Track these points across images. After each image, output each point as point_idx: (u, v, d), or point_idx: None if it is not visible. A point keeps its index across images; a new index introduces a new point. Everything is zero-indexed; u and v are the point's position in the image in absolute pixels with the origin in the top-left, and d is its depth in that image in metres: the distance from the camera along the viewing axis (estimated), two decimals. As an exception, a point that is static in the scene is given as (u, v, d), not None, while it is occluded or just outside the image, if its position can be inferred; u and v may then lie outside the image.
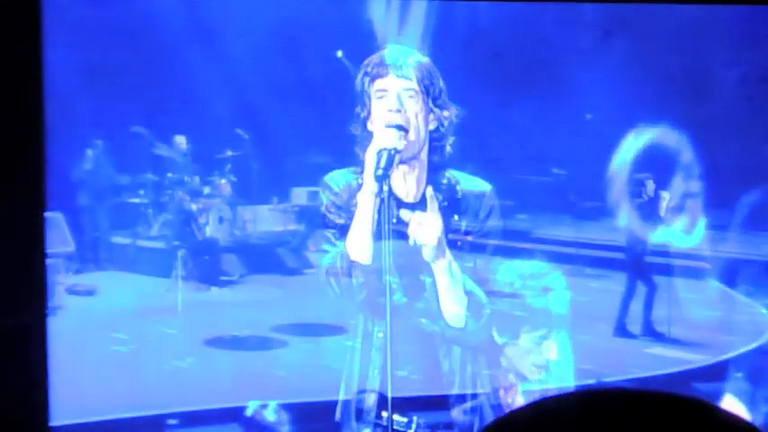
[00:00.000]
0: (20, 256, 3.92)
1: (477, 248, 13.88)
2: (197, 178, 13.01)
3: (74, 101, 11.54)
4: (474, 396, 7.69)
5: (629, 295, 9.96)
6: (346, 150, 16.81)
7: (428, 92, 7.53)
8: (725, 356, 9.35)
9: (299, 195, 16.25)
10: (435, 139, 8.47)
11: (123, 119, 13.08)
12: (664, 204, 9.87)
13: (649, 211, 9.73)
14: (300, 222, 14.57)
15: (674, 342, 9.75)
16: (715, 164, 16.99)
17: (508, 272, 9.35)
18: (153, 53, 13.82)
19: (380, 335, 8.31)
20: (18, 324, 4.08)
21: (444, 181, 8.40)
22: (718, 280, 13.75)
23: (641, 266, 9.83)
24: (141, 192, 13.00)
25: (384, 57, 8.47)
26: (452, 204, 9.12)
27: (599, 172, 17.39)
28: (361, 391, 6.65)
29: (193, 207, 11.68)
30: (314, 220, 15.53)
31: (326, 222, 8.48)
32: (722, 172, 16.94)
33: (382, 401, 6.72)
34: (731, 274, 13.74)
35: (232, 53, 15.33)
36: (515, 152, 17.76)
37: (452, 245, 10.46)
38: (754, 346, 9.71)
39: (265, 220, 14.11)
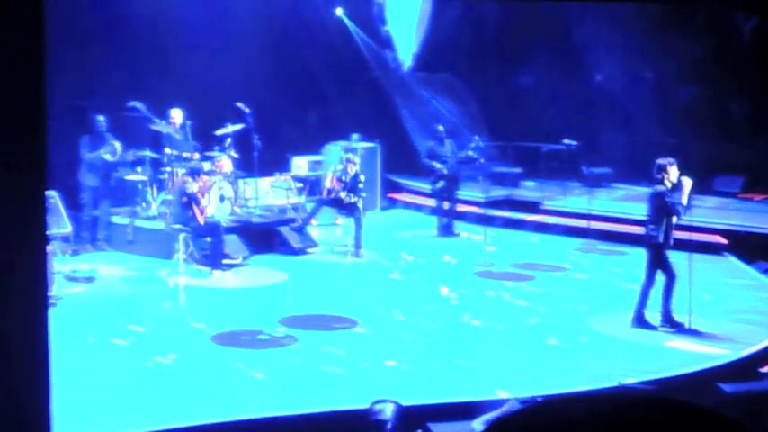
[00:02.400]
0: (18, 248, 3.61)
1: (487, 220, 13.58)
2: (197, 155, 12.57)
3: (68, 74, 11.07)
4: (495, 404, 7.37)
5: (648, 284, 9.56)
6: (348, 116, 16.40)
7: None
8: (749, 350, 9.03)
9: (300, 165, 15.87)
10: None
11: (120, 93, 12.63)
12: (686, 191, 9.42)
13: (671, 197, 9.30)
14: (302, 194, 14.19)
15: (695, 334, 9.41)
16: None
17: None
18: (150, 27, 13.31)
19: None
20: (15, 322, 3.78)
21: None
22: (735, 257, 13.46)
23: (661, 255, 9.43)
24: (139, 169, 12.57)
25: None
26: None
27: (609, 136, 17.07)
28: (378, 401, 6.30)
29: (195, 188, 11.24)
30: (315, 191, 15.20)
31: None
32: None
33: (399, 412, 6.38)
34: (747, 248, 13.46)
35: (231, 24, 14.83)
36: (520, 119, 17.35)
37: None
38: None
39: (267, 194, 13.71)
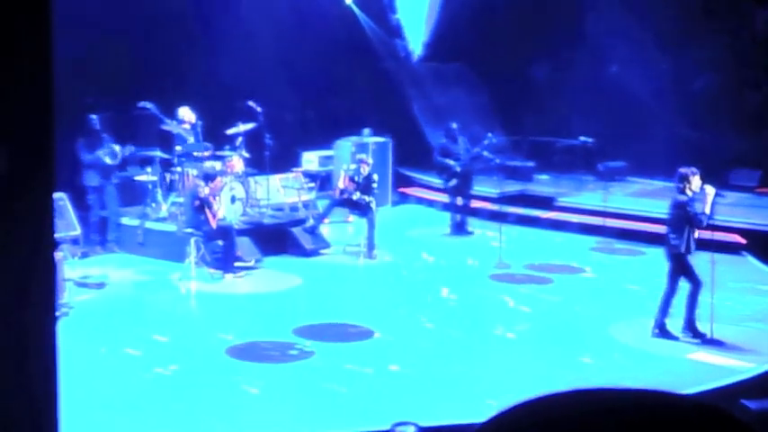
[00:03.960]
0: (27, 254, 3.53)
1: (501, 217, 13.39)
2: (207, 154, 12.38)
3: (77, 74, 10.86)
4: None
5: (670, 293, 9.39)
6: (360, 110, 16.18)
7: None
8: (774, 363, 8.88)
9: (311, 160, 15.67)
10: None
11: (130, 94, 12.42)
12: (709, 200, 9.22)
13: (693, 207, 9.10)
14: (313, 191, 14.00)
15: (717, 345, 9.25)
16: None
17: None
18: (160, 25, 13.09)
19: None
20: (25, 328, 3.70)
21: None
22: (754, 256, 13.26)
23: (684, 263, 9.24)
24: (149, 169, 12.39)
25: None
26: None
27: (625, 130, 16.83)
28: (399, 424, 6.16)
29: (207, 191, 11.06)
30: (326, 186, 15.01)
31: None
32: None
33: (420, 436, 6.25)
34: (766, 248, 13.26)
35: (239, 20, 14.60)
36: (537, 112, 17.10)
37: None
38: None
39: (278, 191, 13.52)
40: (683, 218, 9.16)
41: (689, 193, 9.18)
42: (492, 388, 7.88)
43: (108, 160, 11.82)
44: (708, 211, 9.17)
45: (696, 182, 9.15)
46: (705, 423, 1.17)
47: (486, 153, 13.75)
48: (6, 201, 3.55)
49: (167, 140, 12.41)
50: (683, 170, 9.26)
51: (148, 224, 12.05)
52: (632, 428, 1.16)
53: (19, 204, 3.56)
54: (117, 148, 11.88)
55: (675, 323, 9.38)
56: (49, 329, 3.91)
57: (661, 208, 11.97)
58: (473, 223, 14.07)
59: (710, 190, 9.22)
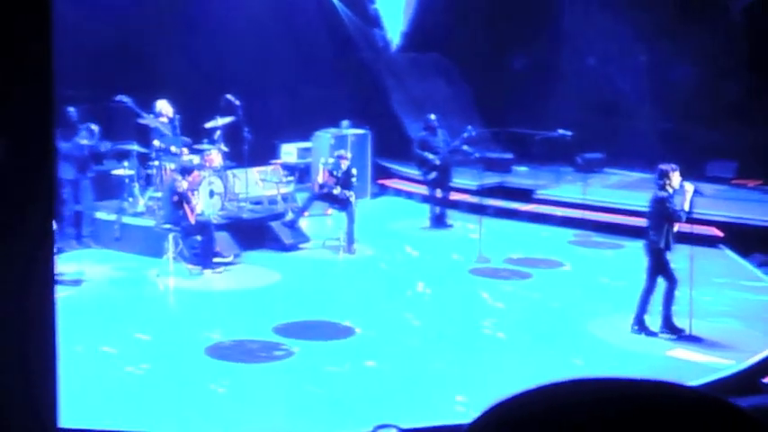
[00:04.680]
0: (27, 243, 3.58)
1: (480, 209, 13.38)
2: (186, 150, 12.28)
3: (55, 65, 10.67)
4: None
5: (649, 289, 9.41)
6: (336, 102, 16.09)
7: None
8: (752, 360, 8.91)
9: (290, 152, 15.58)
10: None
11: (106, 87, 12.27)
12: (688, 196, 9.24)
13: (672, 203, 9.12)
14: (292, 184, 13.92)
15: (696, 341, 9.30)
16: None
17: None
18: (137, 17, 12.94)
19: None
20: (23, 314, 3.74)
21: None
22: (731, 249, 13.32)
23: (662, 260, 9.26)
24: (126, 163, 12.26)
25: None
26: None
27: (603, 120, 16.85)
28: (381, 426, 6.13)
29: (185, 186, 10.96)
30: (305, 179, 14.94)
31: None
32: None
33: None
34: (743, 241, 13.32)
35: (215, 11, 14.45)
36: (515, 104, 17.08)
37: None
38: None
39: (256, 184, 13.43)
40: (663, 214, 9.18)
41: (669, 189, 9.20)
42: (472, 386, 7.88)
43: (86, 141, 11.67)
44: (687, 207, 9.21)
45: (676, 178, 9.17)
46: (706, 413, 1.16)
47: (465, 147, 13.72)
48: (6, 190, 3.59)
49: (145, 134, 12.28)
50: (662, 166, 9.28)
51: (125, 219, 11.93)
52: (632, 418, 1.14)
53: (19, 193, 3.61)
54: (95, 127, 11.74)
55: (655, 319, 9.41)
56: (49, 319, 3.99)
57: (639, 200, 12.04)
58: (452, 216, 14.05)
59: (689, 186, 9.26)
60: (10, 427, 3.87)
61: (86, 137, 11.71)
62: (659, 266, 9.30)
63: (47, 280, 3.90)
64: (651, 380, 1.21)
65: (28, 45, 3.53)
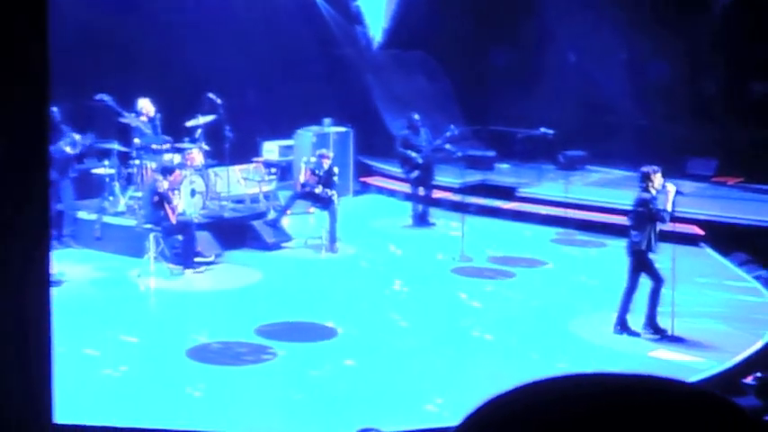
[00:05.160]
0: (24, 239, 3.64)
1: (462, 208, 13.35)
2: (167, 147, 12.19)
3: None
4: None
5: (631, 289, 9.43)
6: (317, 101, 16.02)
7: None
8: (733, 360, 8.95)
9: (272, 150, 15.51)
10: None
11: (86, 85, 12.16)
12: (670, 197, 9.26)
13: (655, 204, 9.13)
14: (273, 182, 13.85)
15: (679, 341, 9.32)
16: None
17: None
18: (117, 15, 12.83)
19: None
20: (20, 312, 3.80)
21: None
22: (712, 248, 13.37)
23: (645, 260, 9.28)
24: (106, 162, 12.16)
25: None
26: None
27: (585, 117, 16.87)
28: (363, 431, 6.12)
29: (166, 186, 10.88)
30: (287, 176, 14.87)
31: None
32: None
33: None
34: (724, 239, 13.37)
35: (200, 10, 14.35)
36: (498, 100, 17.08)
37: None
38: (761, 344, 9.31)
39: (238, 182, 13.36)
40: (646, 215, 9.20)
41: (652, 191, 9.23)
42: (454, 387, 7.87)
43: (69, 150, 11.58)
44: (669, 207, 9.24)
45: (658, 179, 9.20)
46: (701, 409, 1.15)
47: (447, 146, 13.71)
48: (2, 189, 3.64)
49: (125, 133, 12.18)
50: (644, 168, 9.31)
51: (106, 218, 11.84)
52: (628, 414, 1.13)
53: (15, 192, 3.67)
54: (77, 137, 11.65)
55: (637, 319, 9.43)
56: (45, 317, 4.04)
57: (621, 198, 12.11)
58: (435, 214, 14.04)
59: (671, 187, 9.30)
60: (7, 422, 3.94)
61: (69, 144, 11.61)
62: (642, 267, 9.32)
63: (43, 278, 3.98)
64: (642, 375, 1.19)
65: (25, 45, 3.56)
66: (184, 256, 10.96)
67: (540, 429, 1.13)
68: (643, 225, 9.22)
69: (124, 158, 12.21)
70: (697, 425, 1.14)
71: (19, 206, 3.74)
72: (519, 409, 1.16)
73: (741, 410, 1.17)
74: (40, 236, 3.89)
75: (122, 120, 12.01)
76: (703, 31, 16.94)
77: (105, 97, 11.71)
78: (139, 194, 11.61)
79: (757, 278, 11.63)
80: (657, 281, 9.31)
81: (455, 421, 1.24)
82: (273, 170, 13.80)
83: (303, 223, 13.14)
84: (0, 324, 3.79)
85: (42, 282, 3.98)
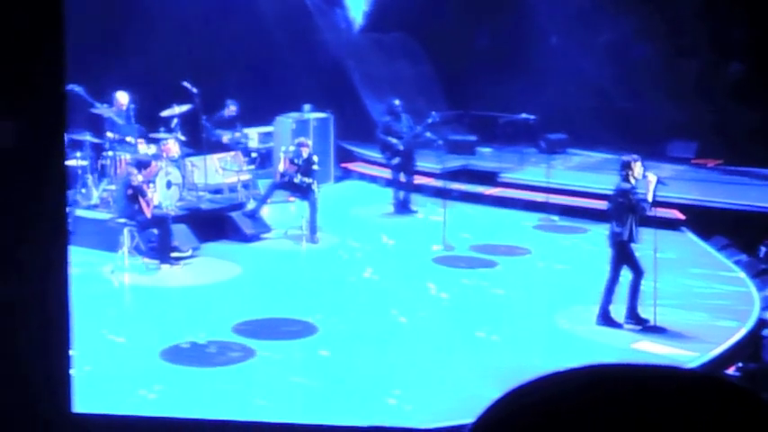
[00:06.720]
0: (43, 224, 3.82)
1: (444, 194, 13.17)
2: (141, 140, 11.96)
3: None
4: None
5: (613, 281, 9.29)
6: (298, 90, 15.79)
7: None
8: (716, 351, 8.85)
9: (251, 137, 15.27)
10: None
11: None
12: (651, 187, 9.10)
13: (636, 194, 8.97)
14: (252, 171, 13.64)
15: (661, 332, 9.20)
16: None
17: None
18: (91, 4, 12.54)
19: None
20: (44, 296, 3.98)
21: None
22: (693, 232, 13.24)
23: (627, 251, 9.14)
24: (78, 154, 11.92)
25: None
26: None
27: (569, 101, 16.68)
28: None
29: (140, 179, 10.66)
30: (266, 164, 14.66)
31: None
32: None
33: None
34: (705, 224, 13.25)
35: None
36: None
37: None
38: (743, 333, 9.21)
39: (216, 172, 13.15)
40: (626, 206, 9.06)
41: (632, 180, 9.08)
42: (442, 382, 7.75)
43: None
44: (650, 198, 9.10)
45: (638, 169, 9.05)
46: (707, 392, 1.14)
47: (428, 134, 13.51)
48: (19, 173, 3.72)
49: (98, 124, 11.94)
50: (624, 158, 9.16)
51: (78, 212, 11.60)
52: (636, 402, 1.11)
53: (34, 177, 3.76)
54: None
55: (620, 310, 9.31)
56: (64, 302, 4.19)
57: (602, 183, 11.96)
58: (416, 201, 13.87)
59: (652, 177, 9.15)
60: (27, 409, 4.00)
61: None
62: (623, 258, 9.19)
63: (62, 262, 4.03)
64: (648, 364, 1.17)
65: (43, 37, 3.63)
66: (160, 250, 10.76)
67: (568, 419, 1.11)
68: (624, 216, 9.08)
69: (97, 150, 11.98)
70: (716, 410, 1.12)
71: (37, 192, 3.81)
72: (539, 401, 1.14)
73: (746, 390, 1.15)
74: (58, 220, 3.98)
75: (94, 111, 11.77)
76: (684, 11, 16.75)
77: (76, 87, 11.45)
78: (113, 187, 11.38)
79: (737, 263, 11.53)
80: (638, 273, 9.19)
81: (454, 420, 1.09)
82: (254, 155, 13.60)
83: (283, 213, 12.94)
84: (24, 309, 3.89)
85: (61, 266, 4.05)
